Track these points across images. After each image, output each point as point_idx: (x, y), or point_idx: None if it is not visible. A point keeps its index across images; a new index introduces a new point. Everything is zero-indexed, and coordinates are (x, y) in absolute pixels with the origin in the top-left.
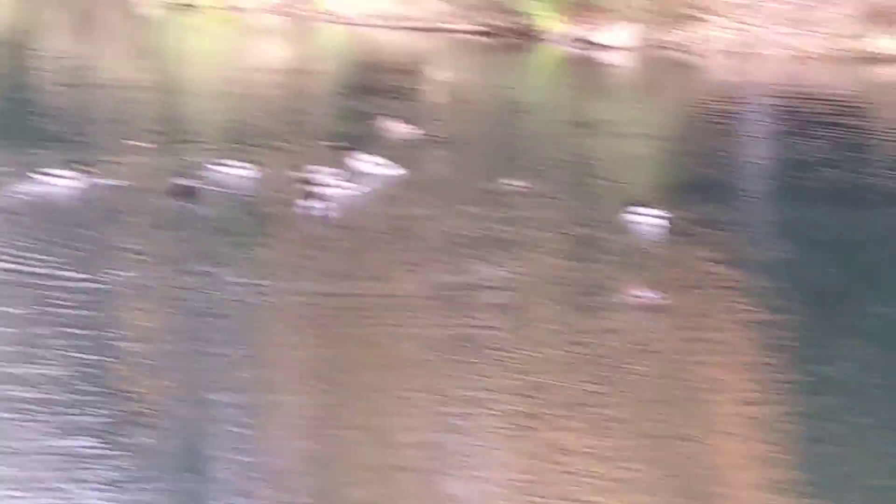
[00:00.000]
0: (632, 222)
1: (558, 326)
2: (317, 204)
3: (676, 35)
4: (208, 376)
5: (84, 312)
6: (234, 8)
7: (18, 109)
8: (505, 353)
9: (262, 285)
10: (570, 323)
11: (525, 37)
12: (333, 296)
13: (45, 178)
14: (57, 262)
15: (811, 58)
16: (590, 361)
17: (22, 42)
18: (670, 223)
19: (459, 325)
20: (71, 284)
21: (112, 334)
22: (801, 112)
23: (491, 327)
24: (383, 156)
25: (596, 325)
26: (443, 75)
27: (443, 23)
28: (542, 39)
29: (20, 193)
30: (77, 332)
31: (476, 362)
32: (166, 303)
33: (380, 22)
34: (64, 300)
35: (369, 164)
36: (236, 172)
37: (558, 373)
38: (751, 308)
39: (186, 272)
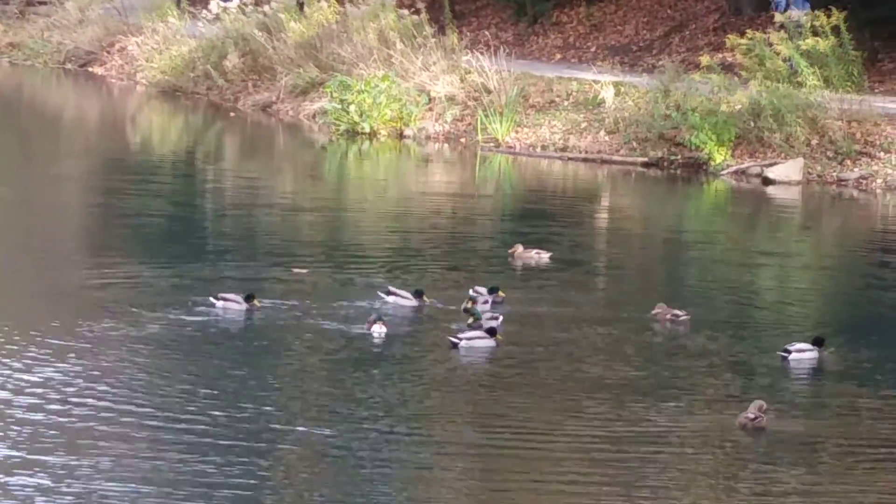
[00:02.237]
0: (792, 359)
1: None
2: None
3: (846, 171)
4: None
5: None
6: (403, 136)
7: (191, 229)
8: None
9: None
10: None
11: (691, 169)
12: None
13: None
14: None
15: None
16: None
17: (197, 166)
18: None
19: None
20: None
21: None
22: None
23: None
24: (535, 282)
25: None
26: (608, 204)
27: (609, 154)
28: (709, 172)
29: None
30: None
31: None
32: None
33: (545, 152)
34: None
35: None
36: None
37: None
38: None
39: None
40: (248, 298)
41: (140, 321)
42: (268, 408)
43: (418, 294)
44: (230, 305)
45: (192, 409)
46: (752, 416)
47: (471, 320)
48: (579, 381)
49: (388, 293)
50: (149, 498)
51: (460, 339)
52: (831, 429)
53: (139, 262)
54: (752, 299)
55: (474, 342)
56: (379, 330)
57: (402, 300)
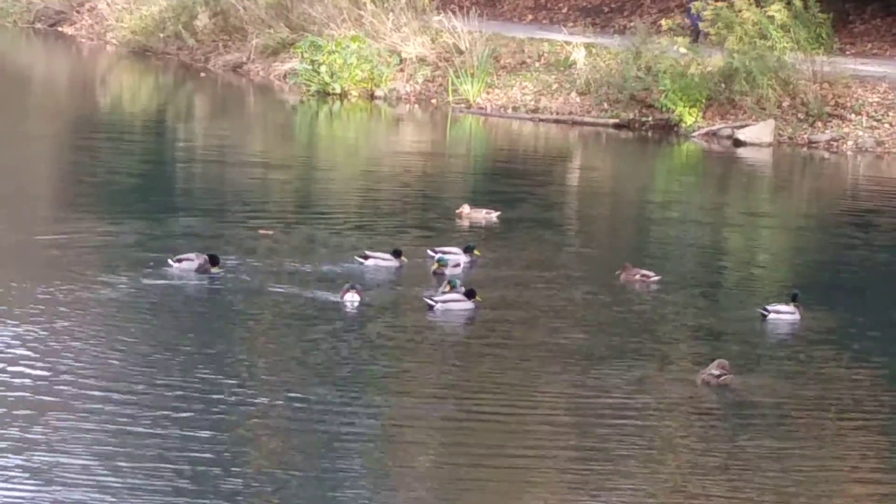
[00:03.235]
0: (770, 319)
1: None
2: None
3: (817, 133)
4: None
5: None
6: (374, 97)
7: (159, 185)
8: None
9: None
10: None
11: (662, 130)
12: None
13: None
14: None
15: None
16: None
17: (168, 126)
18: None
19: None
20: None
21: None
22: None
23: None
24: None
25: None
26: (578, 164)
27: (580, 115)
28: (680, 134)
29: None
30: None
31: None
32: None
33: (516, 113)
34: None
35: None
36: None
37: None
38: None
39: None
40: (211, 261)
41: (97, 283)
42: (227, 377)
43: (397, 254)
44: (188, 266)
45: (147, 376)
46: (716, 373)
47: (447, 289)
48: (550, 346)
49: (366, 257)
50: (100, 469)
51: (436, 302)
52: (802, 391)
53: (104, 220)
54: (722, 259)
55: (450, 304)
56: (351, 299)
57: (382, 262)
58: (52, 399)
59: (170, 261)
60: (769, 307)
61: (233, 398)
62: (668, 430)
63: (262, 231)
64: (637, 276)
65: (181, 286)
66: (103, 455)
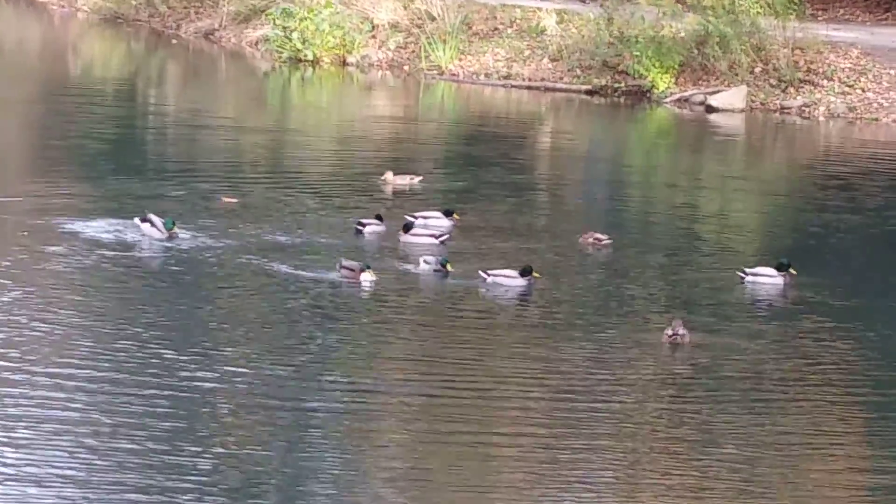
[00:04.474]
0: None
1: None
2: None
3: (789, 99)
4: None
5: None
6: (346, 63)
7: (128, 147)
8: None
9: None
10: None
11: (635, 96)
12: None
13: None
14: None
15: None
16: None
17: (138, 91)
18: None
19: None
20: None
21: None
22: None
23: None
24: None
25: None
26: (550, 130)
27: (552, 81)
28: (652, 100)
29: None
30: None
31: None
32: None
33: (489, 80)
34: None
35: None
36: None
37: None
38: None
39: None
40: (168, 226)
41: (58, 251)
42: (186, 351)
43: (379, 218)
44: (152, 232)
45: (100, 349)
46: (670, 332)
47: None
48: (515, 320)
49: (363, 225)
50: (53, 448)
51: (488, 275)
52: (773, 360)
53: (72, 183)
54: (693, 223)
55: (500, 279)
56: (369, 279)
57: (377, 227)
58: None
59: (136, 220)
60: (748, 270)
61: (197, 373)
62: (636, 406)
63: (225, 199)
64: (590, 240)
65: (140, 254)
66: (55, 432)
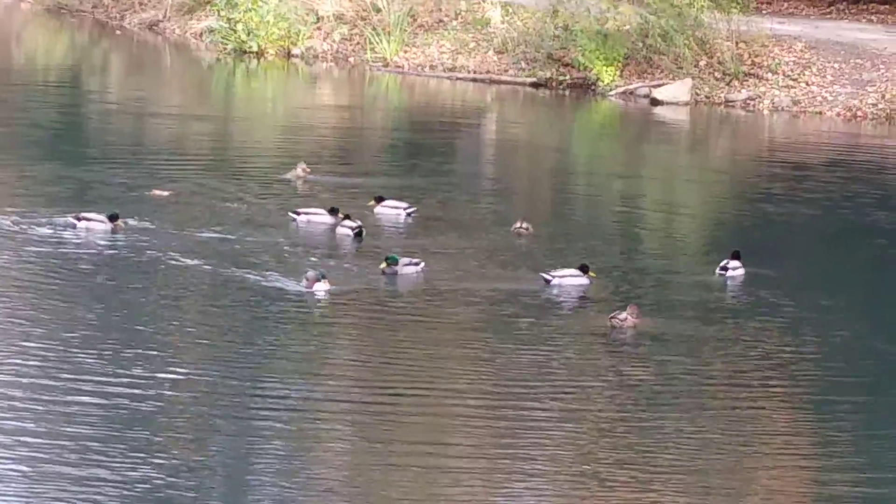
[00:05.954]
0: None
1: None
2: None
3: (734, 92)
4: None
5: None
6: (291, 55)
7: (70, 136)
8: None
9: None
10: None
11: (580, 89)
12: None
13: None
14: None
15: (865, 117)
16: None
17: (81, 81)
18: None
19: None
20: None
21: None
22: (853, 164)
23: None
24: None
25: None
26: (494, 122)
27: (497, 74)
28: (597, 93)
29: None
30: None
31: None
32: None
33: (434, 72)
34: None
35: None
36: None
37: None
38: None
39: None
40: (112, 218)
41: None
42: (130, 349)
43: (333, 211)
44: (93, 226)
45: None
46: (621, 316)
47: (383, 265)
48: (459, 322)
49: (298, 213)
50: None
51: (552, 277)
52: (716, 359)
53: (7, 171)
54: (638, 215)
55: (566, 280)
56: (324, 288)
57: (316, 217)
58: None
59: (72, 218)
60: (726, 264)
61: (130, 380)
62: (582, 410)
63: (156, 192)
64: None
65: (82, 251)
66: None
